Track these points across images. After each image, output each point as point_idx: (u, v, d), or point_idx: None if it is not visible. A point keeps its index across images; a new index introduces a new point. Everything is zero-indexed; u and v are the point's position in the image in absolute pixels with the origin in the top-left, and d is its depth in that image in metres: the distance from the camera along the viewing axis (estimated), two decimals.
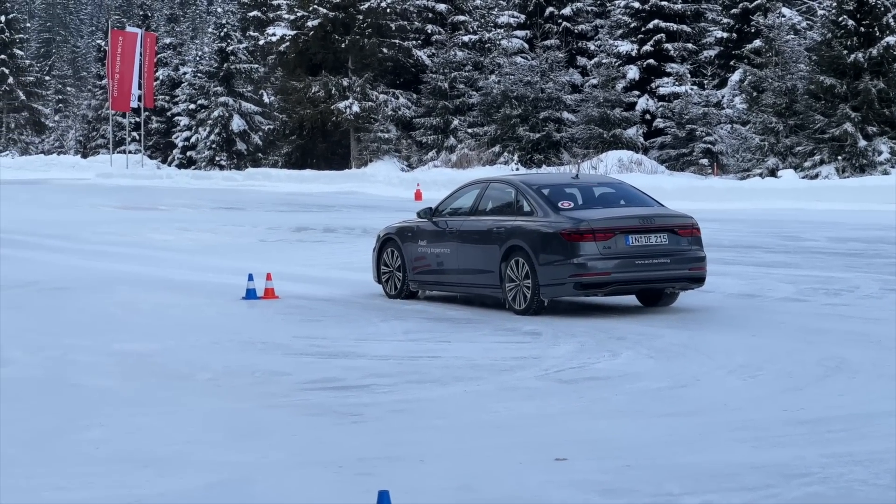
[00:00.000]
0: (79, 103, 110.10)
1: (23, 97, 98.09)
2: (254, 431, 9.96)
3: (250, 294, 18.66)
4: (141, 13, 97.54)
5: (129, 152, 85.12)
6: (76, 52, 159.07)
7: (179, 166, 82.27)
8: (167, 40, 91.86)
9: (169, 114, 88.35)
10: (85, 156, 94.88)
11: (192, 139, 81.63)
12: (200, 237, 31.48)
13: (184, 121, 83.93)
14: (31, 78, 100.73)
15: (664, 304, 17.04)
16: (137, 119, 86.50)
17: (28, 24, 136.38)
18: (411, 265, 18.37)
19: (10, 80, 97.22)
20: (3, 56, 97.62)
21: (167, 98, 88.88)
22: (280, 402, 11.11)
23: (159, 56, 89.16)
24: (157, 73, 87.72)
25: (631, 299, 17.45)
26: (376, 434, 9.83)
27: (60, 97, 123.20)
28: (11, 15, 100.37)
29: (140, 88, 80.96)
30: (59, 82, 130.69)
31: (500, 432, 9.79)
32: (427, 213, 18.35)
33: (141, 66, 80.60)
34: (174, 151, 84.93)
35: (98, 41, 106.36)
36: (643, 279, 16.26)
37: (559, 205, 16.52)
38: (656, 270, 16.17)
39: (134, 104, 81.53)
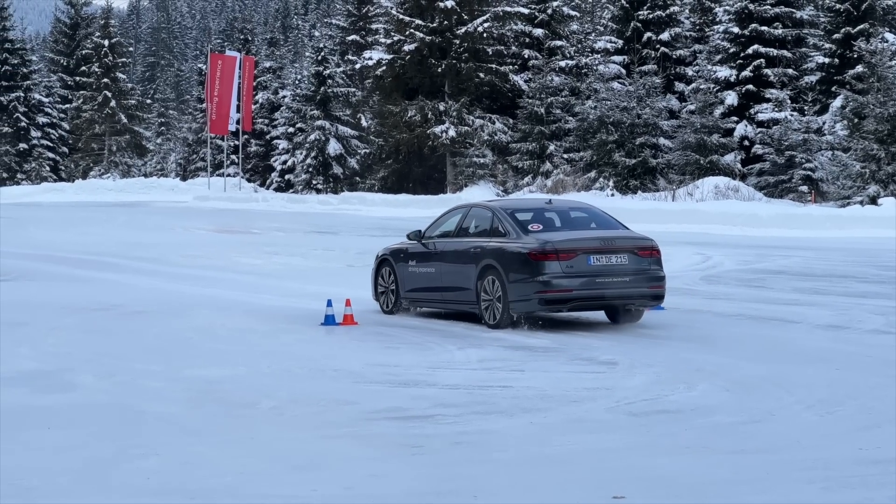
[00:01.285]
0: (180, 126, 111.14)
1: (125, 120, 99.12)
2: (308, 463, 9.73)
3: (329, 320, 18.51)
4: (241, 37, 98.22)
5: (228, 175, 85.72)
6: (180, 76, 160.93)
7: (277, 189, 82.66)
8: (267, 64, 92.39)
9: (268, 137, 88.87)
10: (184, 178, 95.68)
11: (290, 162, 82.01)
12: (289, 261, 31.39)
13: (282, 144, 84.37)
14: (133, 101, 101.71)
15: (629, 321, 18.04)
16: (236, 142, 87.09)
17: (131, 49, 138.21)
18: (403, 283, 19.85)
19: (113, 103, 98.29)
20: (106, 80, 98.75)
21: (266, 121, 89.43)
22: (341, 432, 10.87)
23: (259, 80, 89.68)
24: (256, 97, 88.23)
25: (716, 331, 17.12)
26: (433, 467, 9.57)
27: (163, 120, 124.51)
28: (115, 39, 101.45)
29: (238, 112, 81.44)
30: (161, 105, 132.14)
31: (559, 467, 9.48)
32: (416, 235, 19.88)
33: (240, 89, 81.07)
34: (273, 175, 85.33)
35: (200, 65, 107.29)
36: (604, 296, 17.29)
37: (529, 227, 17.78)
38: (617, 288, 17.24)
39: (232, 127, 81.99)
